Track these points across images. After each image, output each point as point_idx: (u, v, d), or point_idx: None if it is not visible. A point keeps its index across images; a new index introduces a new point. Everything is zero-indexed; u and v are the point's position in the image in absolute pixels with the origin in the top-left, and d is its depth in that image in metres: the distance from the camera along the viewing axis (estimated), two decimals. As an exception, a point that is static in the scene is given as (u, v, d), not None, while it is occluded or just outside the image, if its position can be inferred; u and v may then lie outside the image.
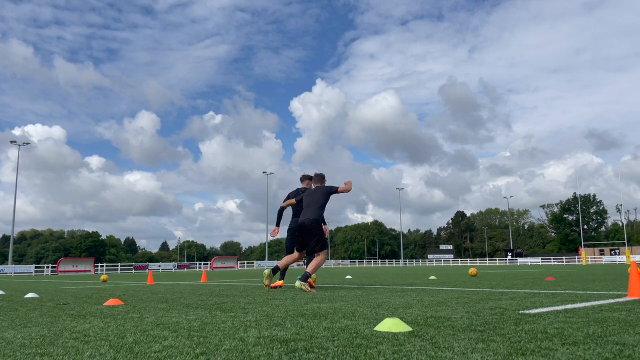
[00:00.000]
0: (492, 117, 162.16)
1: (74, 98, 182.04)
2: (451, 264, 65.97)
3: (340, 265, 69.55)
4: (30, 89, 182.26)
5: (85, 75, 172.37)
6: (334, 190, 7.90)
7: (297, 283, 7.24)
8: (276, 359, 2.38)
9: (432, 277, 12.56)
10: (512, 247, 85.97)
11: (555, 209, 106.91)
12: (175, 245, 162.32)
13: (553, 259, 69.96)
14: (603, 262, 59.76)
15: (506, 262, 71.42)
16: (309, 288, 7.25)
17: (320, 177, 8.12)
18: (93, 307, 5.41)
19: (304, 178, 8.64)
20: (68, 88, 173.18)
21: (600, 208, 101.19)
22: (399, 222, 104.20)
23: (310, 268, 7.47)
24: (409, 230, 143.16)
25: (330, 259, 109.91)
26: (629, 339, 2.74)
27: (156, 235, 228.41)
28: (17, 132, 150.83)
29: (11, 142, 48.12)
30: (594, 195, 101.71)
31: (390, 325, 3.17)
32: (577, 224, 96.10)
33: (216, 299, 6.26)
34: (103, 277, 15.57)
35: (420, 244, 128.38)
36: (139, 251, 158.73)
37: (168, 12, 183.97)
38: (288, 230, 8.36)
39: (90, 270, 42.46)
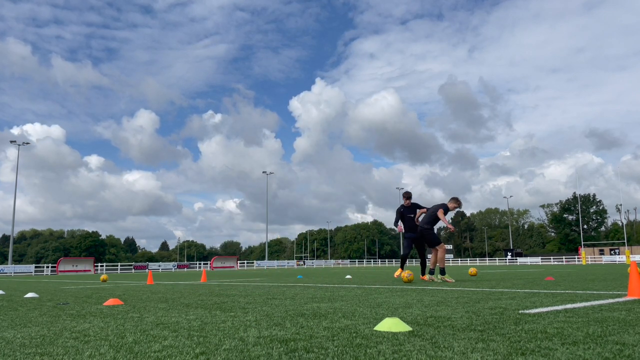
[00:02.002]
0: (493, 116, 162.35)
1: (72, 97, 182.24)
2: (451, 264, 65.98)
3: (340, 265, 69.54)
4: (29, 88, 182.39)
5: (84, 74, 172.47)
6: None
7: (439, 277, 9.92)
8: (276, 358, 2.38)
9: (432, 277, 12.55)
10: (512, 247, 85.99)
11: (555, 209, 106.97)
12: (175, 245, 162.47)
13: (553, 258, 69.97)
14: (603, 262, 59.77)
15: (506, 262, 71.44)
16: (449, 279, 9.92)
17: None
18: (93, 307, 5.41)
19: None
20: (66, 87, 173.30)
21: (600, 208, 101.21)
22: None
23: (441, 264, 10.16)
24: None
25: (330, 258, 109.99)
26: (628, 338, 2.74)
27: (156, 235, 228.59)
28: (15, 131, 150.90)
29: (11, 142, 48.16)
30: (594, 195, 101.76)
31: (390, 325, 3.17)
32: (577, 223, 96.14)
33: (216, 298, 6.26)
34: (103, 277, 15.58)
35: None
36: (139, 251, 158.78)
37: (167, 11, 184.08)
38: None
39: (90, 270, 42.47)
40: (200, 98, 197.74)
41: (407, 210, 10.77)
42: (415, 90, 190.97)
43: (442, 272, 10.01)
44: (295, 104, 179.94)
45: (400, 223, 10.80)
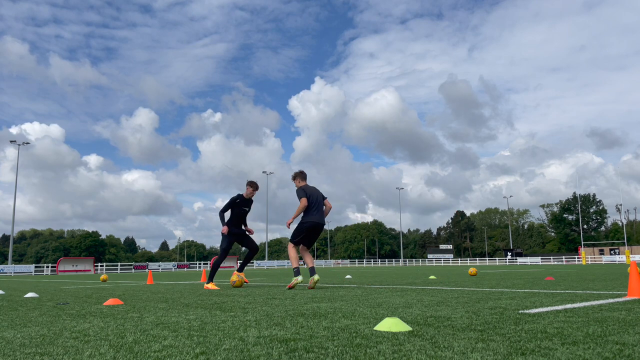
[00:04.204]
0: (494, 115, 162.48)
1: (71, 96, 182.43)
2: (451, 264, 65.99)
3: (340, 265, 69.55)
4: (28, 88, 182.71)
5: (82, 73, 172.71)
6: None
7: (317, 277, 7.82)
8: (276, 358, 2.38)
9: (432, 277, 12.57)
10: (511, 247, 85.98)
11: (555, 209, 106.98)
12: (175, 245, 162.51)
13: (553, 258, 69.96)
14: (603, 262, 59.76)
15: (506, 262, 71.43)
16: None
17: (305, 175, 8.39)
18: (93, 306, 5.41)
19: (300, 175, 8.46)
20: (65, 86, 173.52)
21: (600, 208, 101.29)
22: (399, 221, 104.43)
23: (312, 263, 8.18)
24: (408, 230, 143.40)
25: (330, 258, 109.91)
26: (628, 338, 2.74)
27: (156, 234, 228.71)
28: (14, 130, 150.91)
29: (11, 141, 48.15)
30: (594, 195, 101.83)
31: (390, 324, 3.17)
32: (576, 223, 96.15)
33: (216, 298, 6.26)
34: (103, 276, 15.57)
35: (420, 244, 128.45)
36: (139, 251, 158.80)
37: (167, 10, 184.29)
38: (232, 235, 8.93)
39: (90, 270, 42.45)
40: (200, 97, 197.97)
41: (245, 203, 8.96)
42: (415, 90, 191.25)
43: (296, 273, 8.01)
44: (295, 103, 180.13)
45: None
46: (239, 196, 8.92)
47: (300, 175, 8.29)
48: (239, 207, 8.89)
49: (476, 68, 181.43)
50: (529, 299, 5.38)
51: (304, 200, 7.90)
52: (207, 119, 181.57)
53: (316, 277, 7.81)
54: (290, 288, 7.89)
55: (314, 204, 8.00)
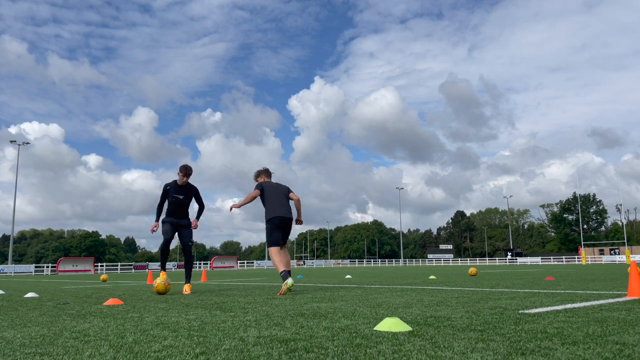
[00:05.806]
0: (495, 114, 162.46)
1: (70, 96, 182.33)
2: (451, 264, 65.96)
3: (340, 265, 69.54)
4: (27, 87, 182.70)
5: (81, 72, 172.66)
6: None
7: (291, 281, 7.03)
8: (276, 358, 2.38)
9: (432, 277, 12.57)
10: (512, 247, 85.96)
11: (555, 209, 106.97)
12: (175, 245, 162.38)
13: (553, 258, 69.95)
14: (603, 262, 59.75)
15: (506, 262, 71.42)
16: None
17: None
18: (93, 306, 5.41)
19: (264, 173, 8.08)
20: (63, 86, 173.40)
21: (600, 208, 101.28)
22: (399, 221, 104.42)
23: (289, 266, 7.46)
24: (409, 230, 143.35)
25: (330, 258, 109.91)
26: (628, 338, 2.74)
27: (156, 234, 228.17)
28: (13, 130, 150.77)
29: (11, 141, 48.15)
30: (594, 195, 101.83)
31: (390, 324, 3.17)
32: (576, 223, 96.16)
33: (216, 298, 6.26)
34: (103, 276, 15.57)
35: (420, 244, 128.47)
36: (139, 251, 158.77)
37: (166, 10, 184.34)
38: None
39: (90, 270, 42.45)
40: (199, 97, 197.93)
41: (177, 190, 7.84)
42: (415, 89, 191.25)
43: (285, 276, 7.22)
44: (294, 103, 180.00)
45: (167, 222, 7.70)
46: (170, 183, 7.88)
47: (265, 173, 7.97)
48: (170, 195, 7.78)
49: (476, 67, 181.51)
50: (529, 299, 5.37)
51: (256, 192, 7.52)
52: (207, 118, 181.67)
53: (290, 281, 7.03)
54: (281, 295, 6.96)
55: (274, 199, 7.55)
